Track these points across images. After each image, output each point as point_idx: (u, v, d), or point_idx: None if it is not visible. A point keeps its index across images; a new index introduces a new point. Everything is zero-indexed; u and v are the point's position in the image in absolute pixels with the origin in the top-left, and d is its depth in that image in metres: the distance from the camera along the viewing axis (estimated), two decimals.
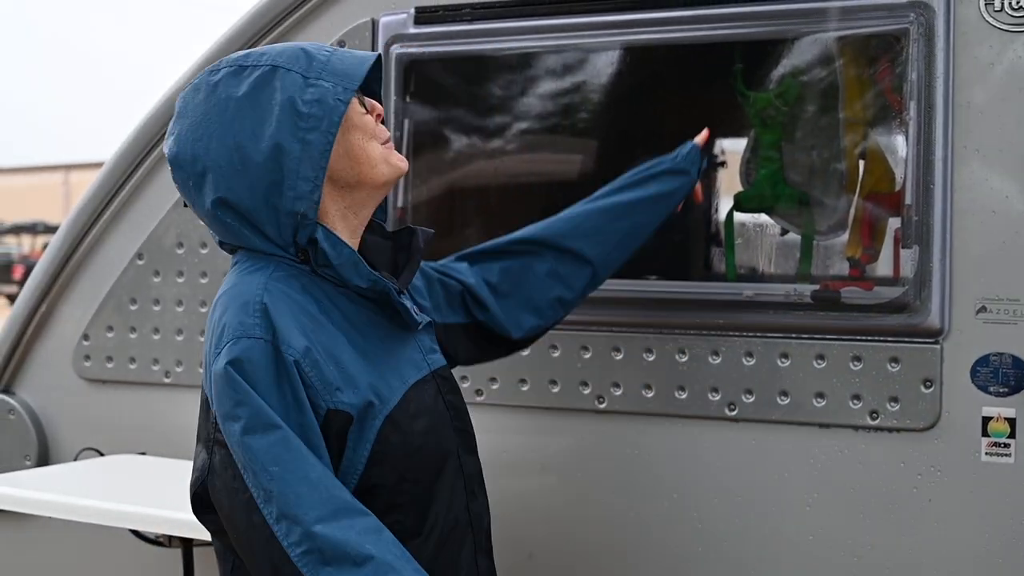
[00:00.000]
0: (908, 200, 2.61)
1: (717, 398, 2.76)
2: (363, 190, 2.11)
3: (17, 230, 35.60)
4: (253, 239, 2.01)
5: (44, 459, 3.41)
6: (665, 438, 2.81)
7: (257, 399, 1.86)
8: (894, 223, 2.70)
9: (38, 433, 3.41)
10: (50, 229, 34.76)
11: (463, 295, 2.43)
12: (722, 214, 2.92)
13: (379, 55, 2.18)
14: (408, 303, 2.10)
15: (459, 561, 2.13)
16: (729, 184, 2.93)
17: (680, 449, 2.80)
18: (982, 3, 2.54)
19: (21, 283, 29.31)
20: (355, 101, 2.07)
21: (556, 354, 2.79)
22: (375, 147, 2.09)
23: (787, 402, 2.71)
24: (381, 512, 1.96)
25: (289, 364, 1.90)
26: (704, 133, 2.66)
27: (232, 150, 1.99)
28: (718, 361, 2.76)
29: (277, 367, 1.90)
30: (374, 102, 2.14)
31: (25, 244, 35.28)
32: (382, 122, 2.18)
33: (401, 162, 2.14)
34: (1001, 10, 2.53)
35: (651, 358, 2.79)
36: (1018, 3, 2.52)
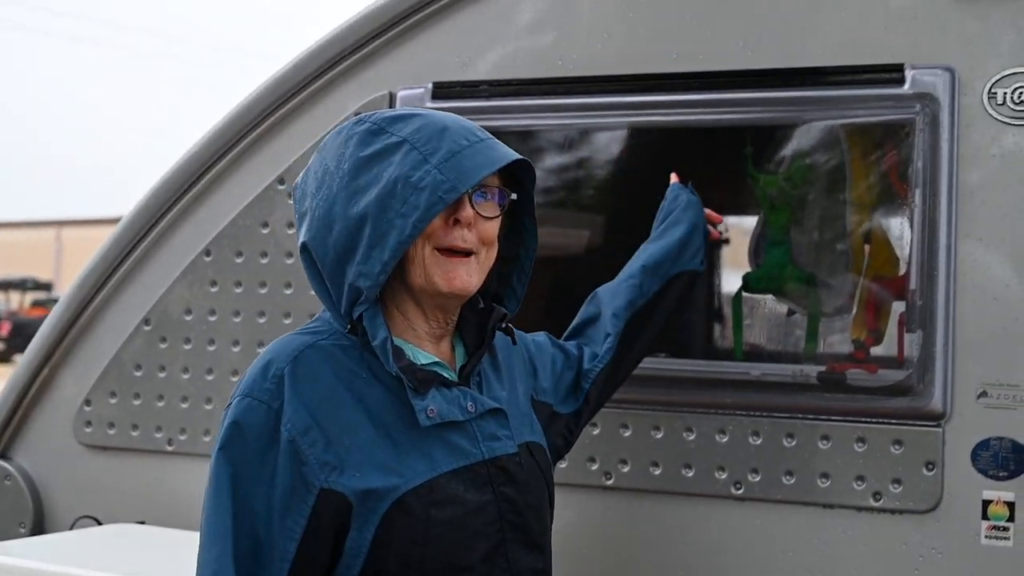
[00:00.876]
0: (912, 285, 2.77)
1: (723, 476, 2.88)
2: (425, 291, 2.12)
3: (5, 286, 35.74)
4: (321, 293, 2.10)
5: (40, 527, 3.45)
6: (671, 515, 2.91)
7: (226, 491, 1.98)
8: (898, 307, 2.85)
9: (34, 500, 3.46)
10: (40, 286, 35.21)
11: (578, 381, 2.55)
12: (731, 292, 3.05)
13: (519, 159, 2.14)
14: (443, 397, 2.09)
15: None
16: (738, 264, 3.08)
17: (686, 527, 2.91)
18: (985, 96, 2.71)
19: (7, 340, 29.30)
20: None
21: None
22: (431, 255, 2.08)
23: (792, 482, 2.84)
24: None
25: (283, 439, 1.98)
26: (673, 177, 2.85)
27: (331, 205, 2.05)
28: (725, 440, 2.88)
29: (272, 435, 1.99)
30: (464, 204, 2.08)
31: (13, 300, 35.38)
32: (492, 232, 2.16)
33: (457, 282, 2.09)
34: (1003, 103, 2.70)
35: (659, 435, 2.92)
36: (1019, 97, 2.68)
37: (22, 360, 3.48)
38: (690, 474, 2.91)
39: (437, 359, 2.15)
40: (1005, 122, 2.72)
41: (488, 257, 2.14)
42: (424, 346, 2.15)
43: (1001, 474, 2.70)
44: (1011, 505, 2.69)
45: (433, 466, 2.05)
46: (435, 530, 2.02)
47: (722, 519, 2.88)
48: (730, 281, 3.14)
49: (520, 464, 2.17)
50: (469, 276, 2.08)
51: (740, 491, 2.88)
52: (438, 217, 2.04)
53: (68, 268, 49.28)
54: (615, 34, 3.02)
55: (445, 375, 2.12)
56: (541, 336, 2.53)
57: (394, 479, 2.01)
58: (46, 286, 36.73)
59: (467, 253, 2.08)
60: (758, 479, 2.87)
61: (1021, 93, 2.70)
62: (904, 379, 2.78)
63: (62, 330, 3.46)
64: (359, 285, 2.03)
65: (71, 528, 3.42)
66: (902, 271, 2.89)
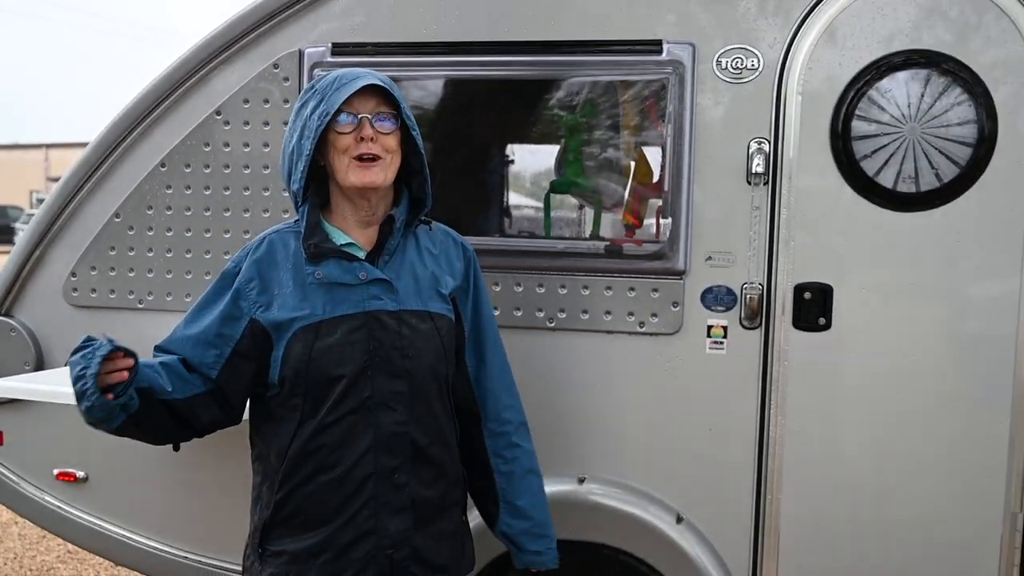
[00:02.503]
0: (665, 187, 2.99)
1: (541, 315, 3.11)
2: (345, 190, 2.30)
3: None
4: (292, 201, 2.35)
5: (40, 365, 3.52)
6: (507, 341, 2.80)
7: (211, 292, 2.34)
8: (655, 202, 3.07)
9: (35, 346, 3.51)
10: None
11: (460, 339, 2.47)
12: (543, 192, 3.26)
13: (368, 87, 2.22)
14: (340, 267, 2.26)
15: (351, 447, 2.25)
16: (547, 174, 3.28)
17: (518, 348, 3.03)
18: (714, 64, 2.95)
19: None
20: (346, 121, 2.22)
21: None
22: (342, 160, 2.25)
23: (587, 317, 3.08)
24: (288, 395, 2.27)
25: (234, 286, 2.30)
26: None
27: (285, 142, 2.31)
28: (542, 291, 3.10)
29: (231, 282, 2.32)
30: (364, 124, 2.23)
31: None
32: (392, 143, 2.28)
33: (356, 177, 2.24)
34: (725, 68, 2.95)
35: (498, 288, 3.12)
36: (735, 65, 2.93)
37: (19, 241, 3.47)
38: (519, 314, 3.12)
39: (352, 241, 2.32)
40: (727, 81, 2.96)
41: (394, 161, 2.30)
42: (351, 231, 2.33)
43: (719, 308, 3.00)
44: (725, 328, 3.01)
45: (325, 311, 2.26)
46: (316, 353, 2.24)
47: (541, 343, 3.10)
48: (544, 186, 3.27)
49: (396, 317, 2.28)
50: (376, 175, 2.25)
51: (553, 324, 3.10)
52: (349, 136, 2.23)
53: None
54: (465, 10, 3.10)
55: (355, 253, 2.31)
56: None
57: (301, 315, 2.26)
58: None
59: (374, 159, 2.25)
60: (564, 316, 3.09)
61: (736, 62, 2.94)
62: (659, 249, 3.01)
63: (51, 219, 3.47)
64: (294, 189, 2.29)
65: (65, 365, 3.22)
66: (657, 179, 3.06)
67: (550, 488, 3.04)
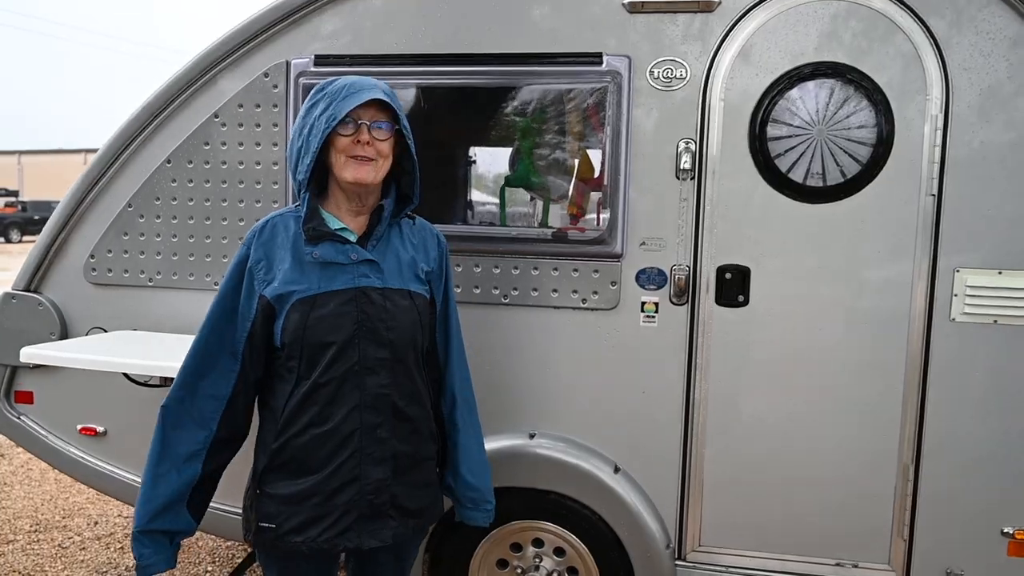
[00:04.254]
0: (605, 182, 2.93)
1: (497, 292, 3.05)
2: (341, 183, 2.24)
3: None
4: (295, 188, 2.25)
5: (64, 335, 3.47)
6: (468, 316, 3.03)
7: (228, 280, 2.22)
8: (596, 195, 2.99)
9: (60, 318, 3.45)
10: (10, 193, 37.09)
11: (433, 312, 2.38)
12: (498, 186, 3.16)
13: (372, 99, 2.15)
14: (335, 249, 2.19)
15: (340, 405, 2.21)
16: (501, 171, 3.14)
17: (477, 321, 3.05)
18: (647, 74, 2.89)
19: None
20: (348, 124, 2.16)
21: None
22: (340, 159, 2.19)
23: (537, 294, 3.03)
24: (287, 357, 2.20)
25: (248, 267, 2.20)
26: None
27: (292, 137, 2.23)
28: (498, 271, 3.05)
29: (246, 263, 2.22)
30: (362, 129, 2.17)
31: None
32: (386, 148, 2.21)
33: (350, 175, 2.19)
34: (657, 78, 2.89)
35: (460, 269, 3.07)
36: (666, 75, 2.87)
37: (45, 228, 3.42)
38: (478, 291, 3.06)
39: (345, 226, 2.26)
40: (658, 89, 2.90)
41: (385, 164, 2.23)
42: (344, 218, 2.26)
43: (650, 287, 2.95)
44: (656, 304, 2.96)
45: (320, 286, 2.19)
46: (312, 321, 2.17)
47: (497, 317, 3.04)
48: (499, 181, 3.15)
49: (381, 294, 2.23)
50: (367, 173, 2.19)
51: (507, 301, 3.04)
52: (349, 139, 2.16)
53: (27, 181, 47.74)
54: (430, 28, 3.04)
55: (347, 236, 2.24)
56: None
57: (299, 289, 2.18)
58: (14, 193, 38.15)
59: (367, 160, 2.19)
60: (517, 293, 3.03)
61: (666, 72, 2.88)
62: (600, 235, 2.96)
63: (72, 209, 3.41)
64: (299, 179, 2.18)
65: (86, 334, 3.44)
66: (597, 174, 2.97)
67: (505, 442, 3.04)
